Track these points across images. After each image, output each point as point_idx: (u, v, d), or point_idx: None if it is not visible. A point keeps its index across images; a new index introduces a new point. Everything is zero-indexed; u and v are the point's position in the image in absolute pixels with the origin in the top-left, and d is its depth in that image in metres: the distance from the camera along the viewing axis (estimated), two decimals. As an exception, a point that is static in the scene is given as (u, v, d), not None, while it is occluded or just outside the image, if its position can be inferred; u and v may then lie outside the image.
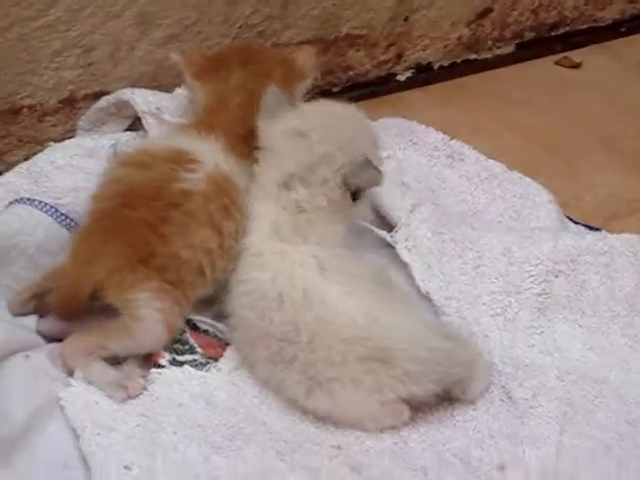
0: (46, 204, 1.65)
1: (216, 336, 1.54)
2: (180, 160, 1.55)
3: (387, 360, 1.38)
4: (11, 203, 1.64)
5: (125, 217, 1.49)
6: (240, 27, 2.01)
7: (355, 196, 1.53)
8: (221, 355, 1.51)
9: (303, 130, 1.53)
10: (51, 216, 1.64)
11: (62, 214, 1.66)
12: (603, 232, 1.72)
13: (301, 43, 2.10)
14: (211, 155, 1.58)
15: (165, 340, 1.49)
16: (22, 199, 1.65)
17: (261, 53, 1.79)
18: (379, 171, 1.52)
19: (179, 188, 1.52)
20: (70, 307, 1.47)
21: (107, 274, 1.45)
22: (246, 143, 1.62)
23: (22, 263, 1.60)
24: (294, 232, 1.49)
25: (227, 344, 1.53)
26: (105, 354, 1.45)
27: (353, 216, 1.56)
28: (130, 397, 1.43)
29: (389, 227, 1.73)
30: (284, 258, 1.46)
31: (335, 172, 1.50)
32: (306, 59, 1.76)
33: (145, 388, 1.44)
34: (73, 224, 1.66)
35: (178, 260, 1.50)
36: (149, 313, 1.46)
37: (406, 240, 1.67)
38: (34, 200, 1.64)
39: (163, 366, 1.48)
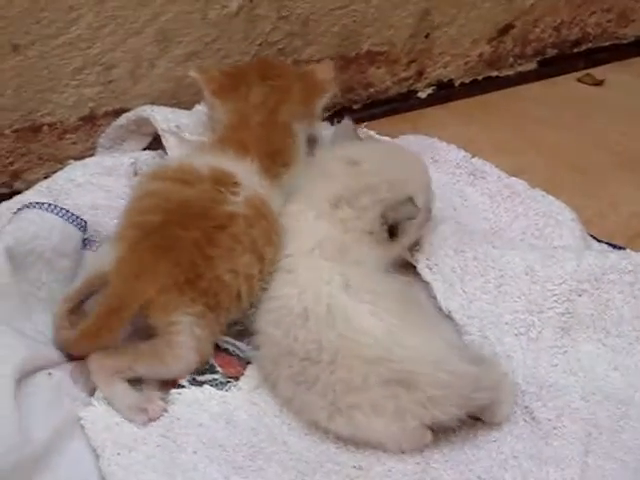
0: (56, 206, 1.64)
1: (237, 355, 1.53)
2: (225, 181, 1.54)
3: (410, 384, 1.37)
4: (20, 209, 1.64)
5: (176, 235, 1.48)
6: (260, 44, 2.01)
7: (393, 232, 1.55)
8: (242, 374, 1.50)
9: (357, 159, 1.57)
10: (62, 217, 1.63)
11: (72, 214, 1.65)
12: (627, 251, 1.70)
13: (322, 60, 2.09)
14: (249, 177, 1.57)
15: (194, 368, 1.49)
16: (31, 203, 1.64)
17: (279, 68, 1.78)
18: (419, 209, 1.55)
19: (225, 210, 1.52)
20: (111, 322, 1.43)
21: (157, 293, 1.44)
22: (275, 165, 1.63)
23: (40, 267, 1.58)
24: (339, 249, 1.50)
25: (248, 363, 1.52)
26: (131, 376, 1.43)
27: (391, 251, 1.57)
28: (150, 420, 1.42)
29: (410, 246, 1.72)
30: (314, 274, 1.46)
31: (375, 203, 1.53)
32: (326, 73, 1.76)
33: (165, 409, 1.43)
34: (84, 224, 1.66)
35: (220, 284, 1.49)
36: (186, 341, 1.45)
37: (427, 259, 1.66)
38: (44, 203, 1.64)
39: (183, 386, 1.47)
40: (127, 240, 1.50)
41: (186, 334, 1.45)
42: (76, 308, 1.53)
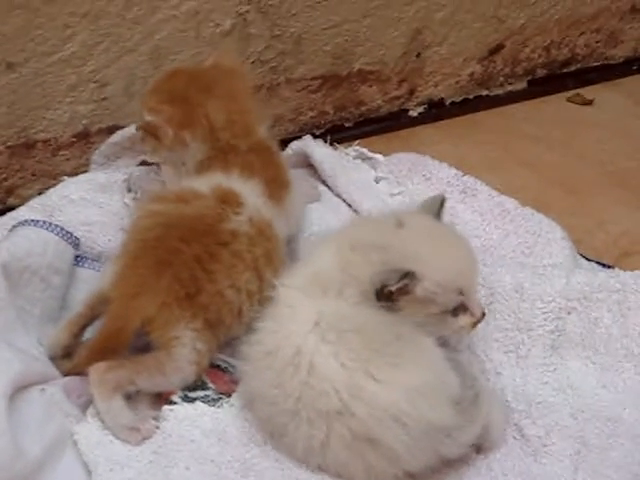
0: (50, 223, 1.65)
1: (228, 371, 1.54)
2: (228, 200, 1.55)
3: (373, 440, 1.34)
4: (15, 226, 1.65)
5: (177, 250, 1.48)
6: (253, 62, 2.03)
7: (380, 297, 1.40)
8: (233, 390, 1.50)
9: (403, 224, 1.47)
10: (57, 235, 1.65)
11: (66, 231, 1.66)
12: (616, 269, 1.72)
13: (314, 79, 2.12)
14: (253, 198, 1.58)
15: (192, 380, 1.49)
16: (26, 221, 1.65)
17: (205, 73, 1.72)
18: (401, 283, 1.39)
19: (228, 228, 1.52)
20: (114, 342, 1.44)
21: (158, 309, 1.44)
22: (279, 189, 1.64)
23: (35, 284, 1.59)
24: (326, 284, 1.43)
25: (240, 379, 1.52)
26: (131, 390, 1.43)
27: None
28: (144, 440, 1.42)
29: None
30: (292, 311, 1.42)
31: (378, 263, 1.41)
32: (232, 59, 1.75)
33: (157, 427, 1.44)
34: (77, 241, 1.68)
35: (221, 300, 1.50)
36: (187, 354, 1.46)
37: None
38: (38, 221, 1.65)
39: (175, 402, 1.47)
40: (125, 256, 1.51)
41: (188, 348, 1.46)
42: (79, 332, 1.54)
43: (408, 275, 1.39)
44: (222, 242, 1.52)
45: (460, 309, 1.46)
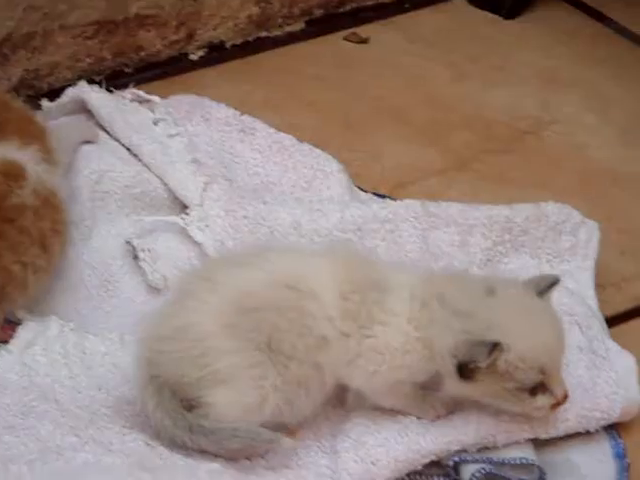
0: None
1: (6, 319, 1.53)
2: (12, 173, 1.53)
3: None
4: None
5: None
6: (24, 9, 1.99)
7: (462, 372, 1.36)
8: (11, 337, 1.50)
9: (495, 291, 1.41)
10: None
11: None
12: (387, 200, 1.78)
13: (89, 24, 2.09)
14: (34, 167, 1.56)
15: None
16: None
17: None
18: (489, 358, 1.34)
19: (13, 203, 1.51)
20: None
21: None
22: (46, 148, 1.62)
23: None
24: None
25: (17, 324, 1.52)
26: None
27: (450, 392, 1.43)
28: None
29: (183, 207, 1.76)
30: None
31: (459, 330, 1.37)
32: None
33: None
34: None
35: (7, 275, 1.49)
36: None
37: (199, 221, 1.70)
38: None
39: (-51, 352, 1.46)
40: None
41: None
42: None
43: (497, 347, 1.33)
44: (7, 219, 1.50)
45: (539, 389, 1.39)
